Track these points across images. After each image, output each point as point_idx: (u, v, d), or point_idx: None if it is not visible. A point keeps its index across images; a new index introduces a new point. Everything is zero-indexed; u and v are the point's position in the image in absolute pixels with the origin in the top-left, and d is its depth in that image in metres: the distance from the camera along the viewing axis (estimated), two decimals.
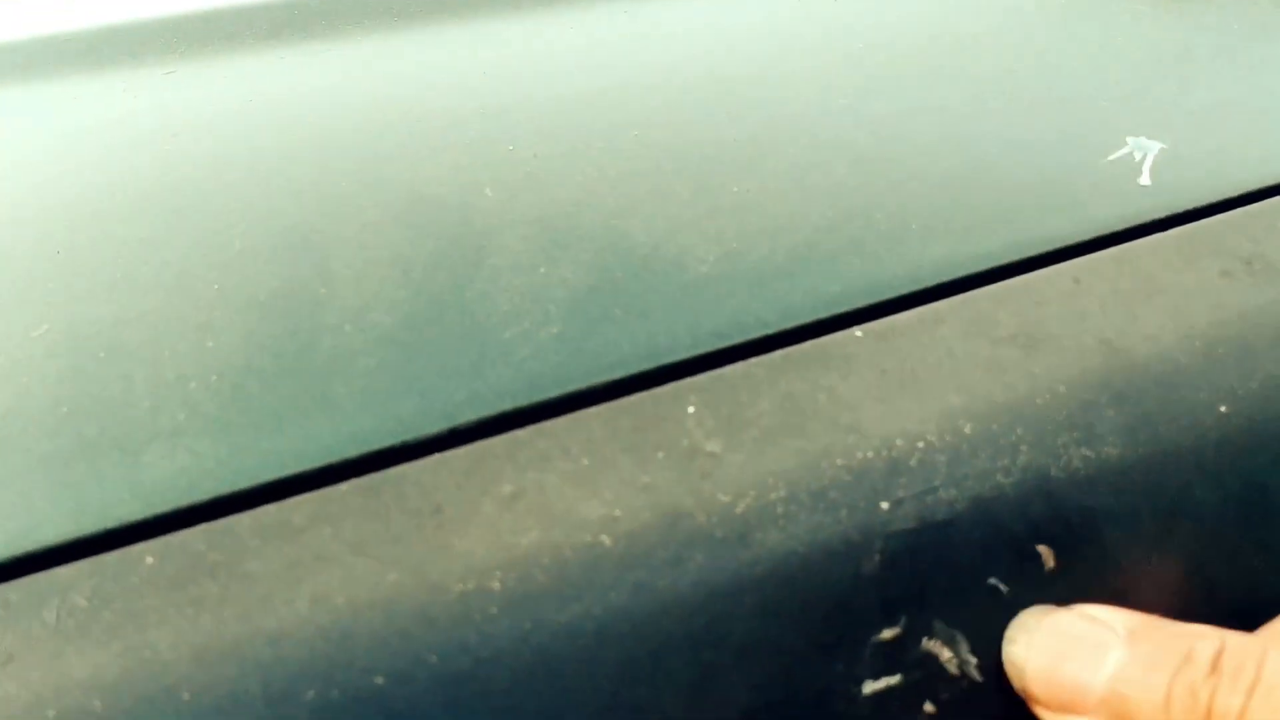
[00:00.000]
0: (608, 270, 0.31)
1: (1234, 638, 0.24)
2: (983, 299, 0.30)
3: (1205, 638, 0.24)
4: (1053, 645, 0.25)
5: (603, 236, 0.32)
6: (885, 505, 0.25)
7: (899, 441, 0.26)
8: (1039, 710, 0.25)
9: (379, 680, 0.22)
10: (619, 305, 0.29)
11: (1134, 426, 0.27)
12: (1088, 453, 0.26)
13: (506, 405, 0.27)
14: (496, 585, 0.23)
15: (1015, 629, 0.25)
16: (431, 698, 0.22)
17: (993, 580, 0.25)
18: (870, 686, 0.25)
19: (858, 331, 0.29)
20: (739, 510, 0.25)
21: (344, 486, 0.25)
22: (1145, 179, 0.34)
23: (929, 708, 0.25)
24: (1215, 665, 0.23)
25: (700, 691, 0.23)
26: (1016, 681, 0.25)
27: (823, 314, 0.29)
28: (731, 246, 0.31)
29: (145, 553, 0.23)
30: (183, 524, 0.24)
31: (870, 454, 0.26)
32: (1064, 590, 0.26)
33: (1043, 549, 0.26)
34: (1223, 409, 0.28)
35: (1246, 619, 0.27)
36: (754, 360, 0.28)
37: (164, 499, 0.25)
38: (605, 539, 0.24)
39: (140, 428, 0.26)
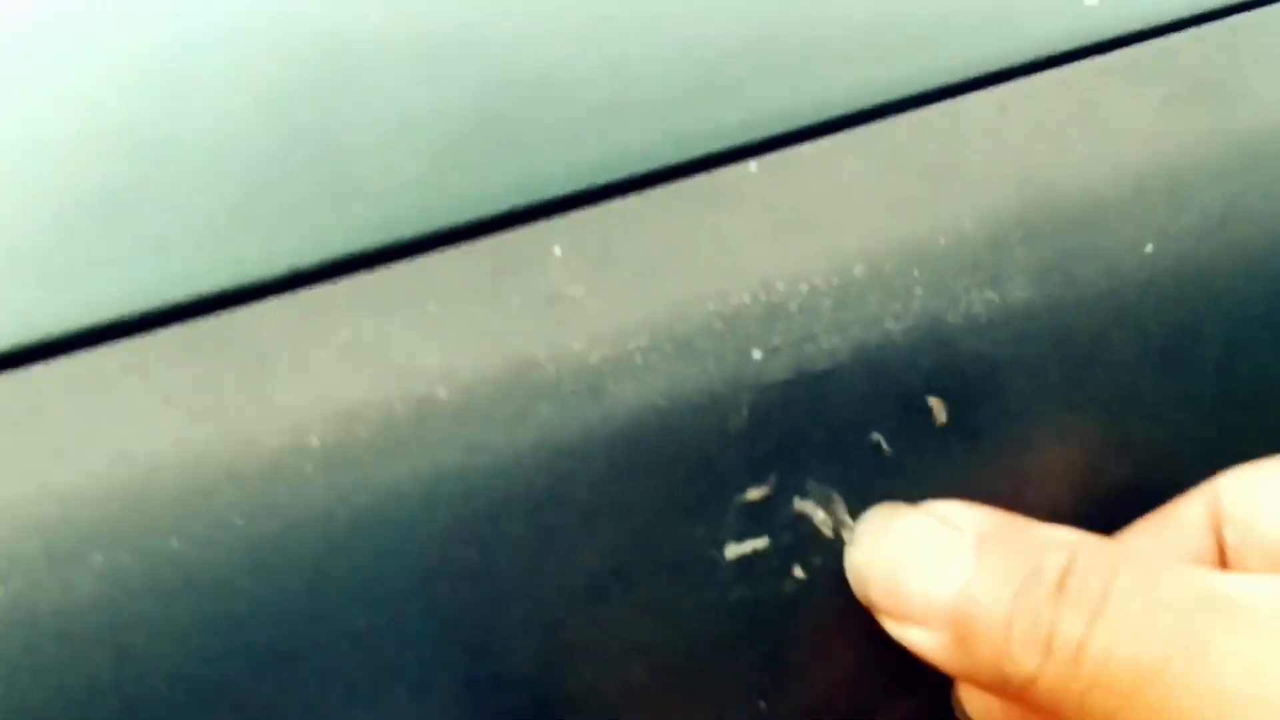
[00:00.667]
0: (484, 100, 0.28)
1: (1086, 550, 0.21)
2: (896, 129, 0.27)
3: (1056, 549, 0.21)
4: (897, 551, 0.22)
5: (486, 64, 0.29)
6: (758, 354, 0.23)
7: (779, 285, 0.23)
8: (883, 620, 0.23)
9: (174, 543, 0.20)
10: (491, 138, 0.27)
11: (1046, 268, 0.24)
12: (991, 296, 0.24)
13: (354, 247, 0.24)
14: (315, 441, 0.21)
15: (860, 531, 0.23)
16: (233, 563, 0.20)
17: (875, 436, 0.23)
18: (734, 550, 0.23)
19: (752, 165, 0.26)
20: (593, 360, 0.22)
21: (164, 333, 0.23)
22: None
23: (798, 572, 0.23)
24: (1062, 584, 0.20)
25: (538, 557, 0.21)
26: (859, 589, 0.23)
27: (714, 147, 0.26)
28: (618, 73, 0.28)
29: None
30: None
31: (746, 298, 0.23)
32: (955, 447, 0.24)
33: (934, 401, 0.23)
34: (1149, 249, 0.25)
35: (1167, 482, 0.25)
36: (634, 197, 0.25)
37: None
38: (440, 391, 0.22)
39: None
